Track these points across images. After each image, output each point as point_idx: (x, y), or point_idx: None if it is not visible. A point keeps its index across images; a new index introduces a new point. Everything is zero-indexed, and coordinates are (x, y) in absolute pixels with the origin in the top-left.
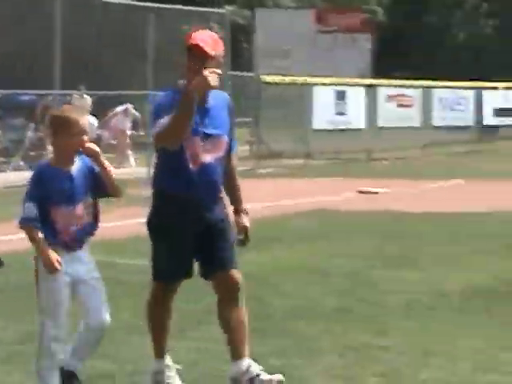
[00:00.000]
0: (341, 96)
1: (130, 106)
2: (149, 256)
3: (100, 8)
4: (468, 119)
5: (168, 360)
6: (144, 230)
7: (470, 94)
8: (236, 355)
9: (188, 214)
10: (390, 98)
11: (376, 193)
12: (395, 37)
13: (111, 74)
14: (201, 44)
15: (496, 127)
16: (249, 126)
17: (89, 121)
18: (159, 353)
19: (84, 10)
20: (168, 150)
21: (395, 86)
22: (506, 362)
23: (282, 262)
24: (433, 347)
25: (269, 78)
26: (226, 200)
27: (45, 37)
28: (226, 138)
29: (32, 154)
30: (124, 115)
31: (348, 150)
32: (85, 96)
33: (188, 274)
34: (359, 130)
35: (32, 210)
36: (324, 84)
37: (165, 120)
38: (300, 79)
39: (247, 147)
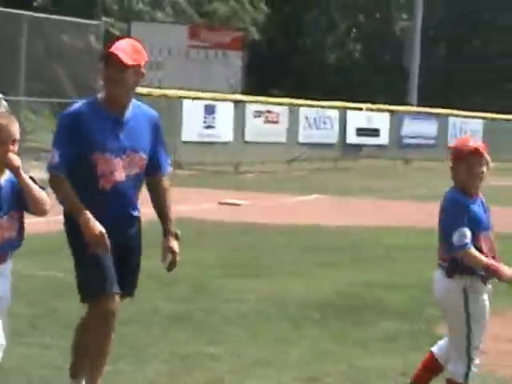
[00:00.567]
0: (210, 110)
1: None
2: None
3: None
4: (332, 137)
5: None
6: None
7: (336, 113)
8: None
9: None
10: (258, 113)
11: (237, 204)
12: (270, 56)
13: None
14: (117, 53)
15: (358, 146)
16: None
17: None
18: (78, 373)
19: None
20: (77, 165)
21: (263, 102)
22: (329, 373)
23: None
24: (262, 356)
25: (143, 90)
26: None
27: None
28: (144, 156)
29: None
30: None
31: (216, 163)
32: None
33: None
34: (227, 143)
35: None
36: (194, 98)
37: (59, 158)
38: (170, 92)
39: None
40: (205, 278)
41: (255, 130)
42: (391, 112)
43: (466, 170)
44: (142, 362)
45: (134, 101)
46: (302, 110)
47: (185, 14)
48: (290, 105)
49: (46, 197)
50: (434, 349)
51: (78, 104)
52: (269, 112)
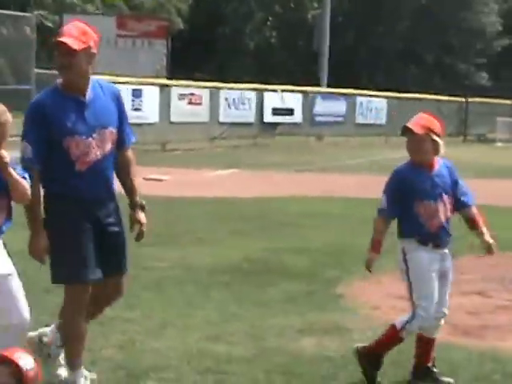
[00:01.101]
0: (137, 94)
1: None
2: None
3: None
4: (250, 117)
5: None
6: None
7: (253, 95)
8: None
9: (82, 214)
10: (182, 96)
11: (160, 180)
12: (194, 42)
13: None
14: (64, 40)
15: (275, 124)
16: None
17: None
18: (78, 364)
19: None
20: (49, 153)
21: (186, 86)
22: (232, 333)
23: None
24: (171, 319)
25: None
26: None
27: None
28: (113, 130)
29: None
30: None
31: (144, 142)
32: None
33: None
34: (154, 124)
35: None
36: (122, 83)
37: (31, 151)
38: (100, 78)
39: None
40: None
41: (180, 111)
42: (304, 93)
43: (406, 145)
44: None
45: (92, 79)
46: (223, 93)
47: (115, 7)
48: (211, 88)
49: (28, 186)
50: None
51: (41, 94)
52: (192, 94)
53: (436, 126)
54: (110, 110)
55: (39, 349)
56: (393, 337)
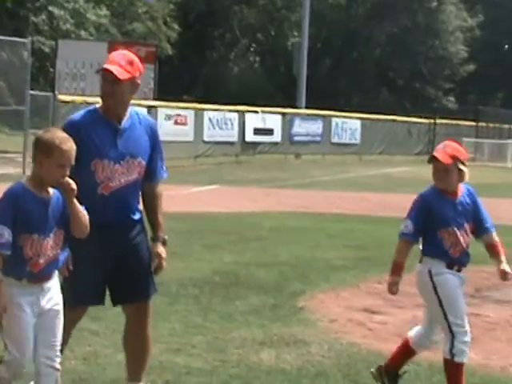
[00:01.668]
0: None
1: None
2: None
3: None
4: (233, 136)
5: None
6: None
7: (235, 115)
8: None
9: (101, 240)
10: (168, 116)
11: None
12: (182, 67)
13: None
14: (111, 68)
15: (255, 143)
16: None
17: None
18: None
19: None
20: (76, 172)
21: (172, 107)
22: (195, 345)
23: None
24: None
25: (65, 97)
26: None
27: None
28: (142, 162)
29: None
30: None
31: None
32: None
33: (100, 299)
34: None
35: (6, 234)
36: None
37: None
38: (90, 99)
39: None
40: None
41: (166, 130)
42: (283, 114)
43: (432, 173)
44: None
45: (132, 109)
46: (206, 113)
47: (108, 33)
48: (196, 109)
49: (87, 217)
50: (410, 333)
51: (78, 113)
52: (178, 115)
53: (462, 154)
54: (141, 141)
55: None
56: (451, 369)
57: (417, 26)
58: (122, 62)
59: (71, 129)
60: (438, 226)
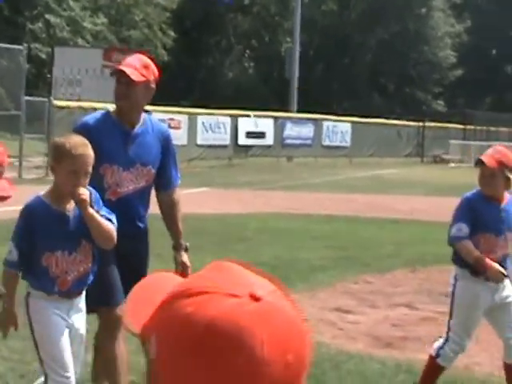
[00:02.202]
0: None
1: None
2: None
3: None
4: (226, 140)
5: None
6: None
7: (228, 119)
8: None
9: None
10: (162, 121)
11: None
12: (178, 73)
13: None
14: (126, 69)
15: (248, 146)
16: (43, 140)
17: None
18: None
19: None
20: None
21: (167, 111)
22: None
23: None
24: None
25: (60, 103)
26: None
27: None
28: (152, 170)
29: None
30: None
31: None
32: None
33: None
34: None
35: (14, 253)
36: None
37: None
38: (85, 104)
39: (42, 158)
40: None
41: None
42: (275, 118)
43: (478, 177)
44: None
45: (145, 115)
46: (200, 118)
47: (106, 40)
48: (189, 114)
49: (113, 227)
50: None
51: (90, 116)
52: (171, 120)
53: (511, 160)
54: (153, 149)
55: None
56: (431, 366)
57: (407, 31)
58: (137, 65)
59: (82, 131)
60: (477, 229)
